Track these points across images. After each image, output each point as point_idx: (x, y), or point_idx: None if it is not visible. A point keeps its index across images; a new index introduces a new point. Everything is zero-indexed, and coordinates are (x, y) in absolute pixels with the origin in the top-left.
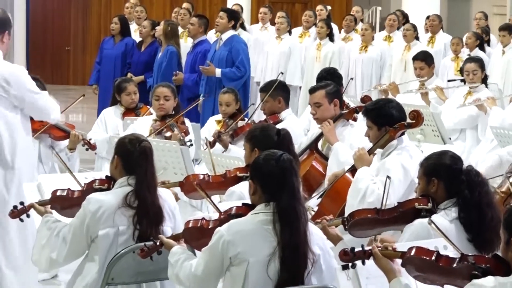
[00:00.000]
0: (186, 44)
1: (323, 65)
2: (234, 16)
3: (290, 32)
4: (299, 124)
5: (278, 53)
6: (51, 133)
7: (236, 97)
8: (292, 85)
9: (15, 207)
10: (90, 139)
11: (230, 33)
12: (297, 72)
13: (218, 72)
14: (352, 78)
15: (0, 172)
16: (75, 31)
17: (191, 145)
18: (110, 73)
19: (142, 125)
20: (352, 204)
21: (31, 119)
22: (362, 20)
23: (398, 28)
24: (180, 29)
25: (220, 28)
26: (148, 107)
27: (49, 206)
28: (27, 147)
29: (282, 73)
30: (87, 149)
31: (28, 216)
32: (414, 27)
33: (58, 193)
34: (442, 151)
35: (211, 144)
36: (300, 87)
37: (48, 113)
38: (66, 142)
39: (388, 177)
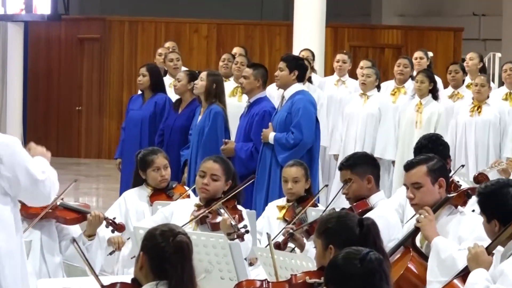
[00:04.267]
0: (239, 103)
1: (426, 132)
2: (297, 65)
3: (378, 88)
4: (394, 211)
5: (365, 115)
6: (58, 217)
7: (306, 172)
8: (383, 158)
9: None
10: (114, 218)
11: (294, 88)
12: (390, 142)
13: (271, 137)
14: (463, 165)
15: None
16: (88, 87)
17: (247, 231)
18: (135, 143)
19: (180, 212)
20: None
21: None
22: (481, 70)
23: None
24: (233, 83)
25: (280, 83)
26: (185, 187)
27: None
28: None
29: None
30: (112, 231)
31: None
32: None
33: None
34: None
35: (283, 246)
36: (393, 162)
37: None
38: (77, 228)
39: None
